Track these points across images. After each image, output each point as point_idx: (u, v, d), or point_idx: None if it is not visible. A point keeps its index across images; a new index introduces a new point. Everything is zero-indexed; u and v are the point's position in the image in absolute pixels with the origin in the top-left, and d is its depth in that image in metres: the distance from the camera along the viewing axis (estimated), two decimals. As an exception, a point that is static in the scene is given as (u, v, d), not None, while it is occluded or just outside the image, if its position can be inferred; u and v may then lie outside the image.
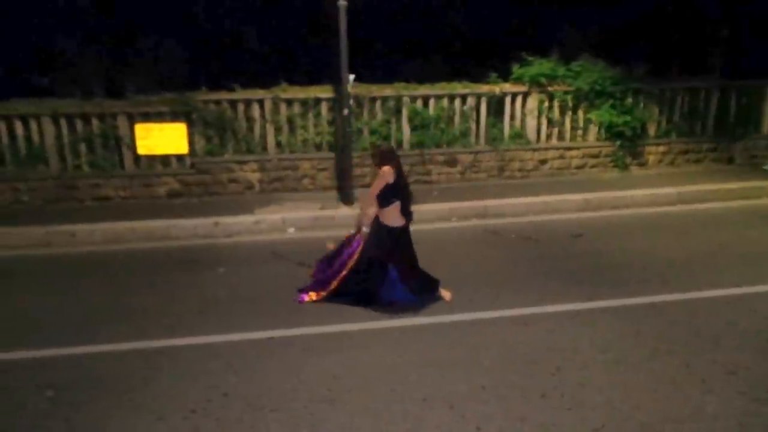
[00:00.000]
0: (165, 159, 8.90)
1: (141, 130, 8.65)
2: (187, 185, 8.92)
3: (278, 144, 9.15)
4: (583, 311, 4.64)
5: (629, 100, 9.94)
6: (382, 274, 4.76)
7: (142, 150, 8.72)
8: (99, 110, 8.66)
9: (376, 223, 4.76)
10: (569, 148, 9.89)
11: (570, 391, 3.49)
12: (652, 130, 10.21)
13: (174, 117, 8.76)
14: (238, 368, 3.88)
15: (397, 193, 4.68)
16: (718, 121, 10.36)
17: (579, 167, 9.95)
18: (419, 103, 9.35)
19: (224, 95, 8.96)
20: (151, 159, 8.86)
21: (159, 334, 4.43)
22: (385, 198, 4.67)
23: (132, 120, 8.68)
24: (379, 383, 3.64)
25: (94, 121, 8.66)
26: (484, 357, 3.93)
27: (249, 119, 9.05)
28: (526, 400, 3.41)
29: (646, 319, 4.45)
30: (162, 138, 8.66)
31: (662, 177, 9.46)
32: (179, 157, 8.91)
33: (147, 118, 8.69)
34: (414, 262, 4.90)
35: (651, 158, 10.20)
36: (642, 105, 10.06)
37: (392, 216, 4.72)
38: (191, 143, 8.84)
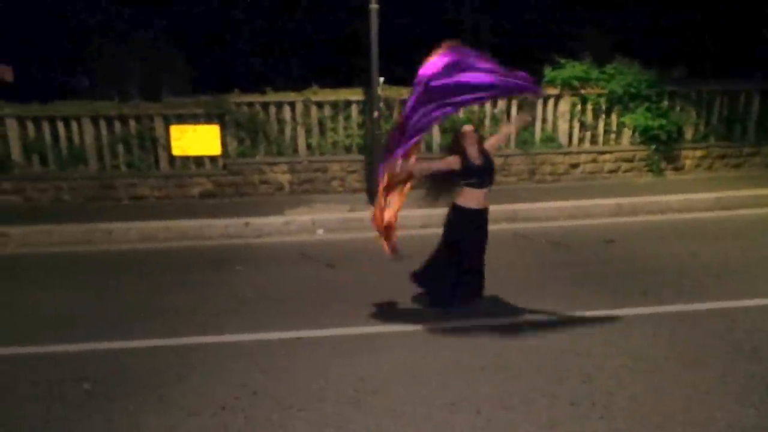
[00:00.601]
0: (198, 160, 9.09)
1: (176, 131, 8.85)
2: (220, 186, 9.09)
3: (308, 146, 9.25)
4: (614, 318, 4.54)
5: (665, 103, 9.71)
6: (460, 271, 4.63)
7: (176, 151, 8.92)
8: (136, 112, 8.90)
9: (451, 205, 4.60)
10: (602, 152, 9.72)
11: (600, 399, 3.42)
12: (689, 134, 9.95)
13: (208, 119, 8.94)
14: (266, 367, 3.92)
15: (470, 174, 4.42)
16: (759, 124, 10.02)
17: (612, 171, 9.76)
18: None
19: (257, 98, 9.10)
20: (185, 160, 9.06)
21: (190, 331, 4.52)
22: (459, 176, 4.47)
23: (167, 121, 8.89)
24: (404, 386, 3.64)
25: (131, 123, 8.91)
26: (512, 362, 3.88)
27: (280, 121, 9.18)
28: (554, 407, 3.35)
29: (680, 327, 4.33)
30: (196, 139, 8.85)
31: (699, 182, 9.20)
32: (212, 158, 9.09)
33: (182, 119, 8.89)
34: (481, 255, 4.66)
35: (688, 163, 9.93)
36: (678, 108, 9.81)
37: (467, 197, 4.50)
38: (224, 145, 9.01)
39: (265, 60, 14.11)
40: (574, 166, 9.68)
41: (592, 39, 12.94)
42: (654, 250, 6.29)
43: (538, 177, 9.61)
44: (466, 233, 4.53)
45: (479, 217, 4.54)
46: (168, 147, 8.93)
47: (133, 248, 7.06)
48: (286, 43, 14.51)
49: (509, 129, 6.13)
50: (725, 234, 6.89)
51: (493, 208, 4.74)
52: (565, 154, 9.62)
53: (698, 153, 9.93)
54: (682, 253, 6.13)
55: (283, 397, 3.54)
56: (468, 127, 4.50)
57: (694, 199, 8.17)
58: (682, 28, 13.65)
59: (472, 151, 4.40)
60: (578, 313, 4.63)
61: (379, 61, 7.74)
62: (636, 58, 9.84)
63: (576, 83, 9.46)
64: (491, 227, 4.71)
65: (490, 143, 4.66)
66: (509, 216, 7.70)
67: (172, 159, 9.04)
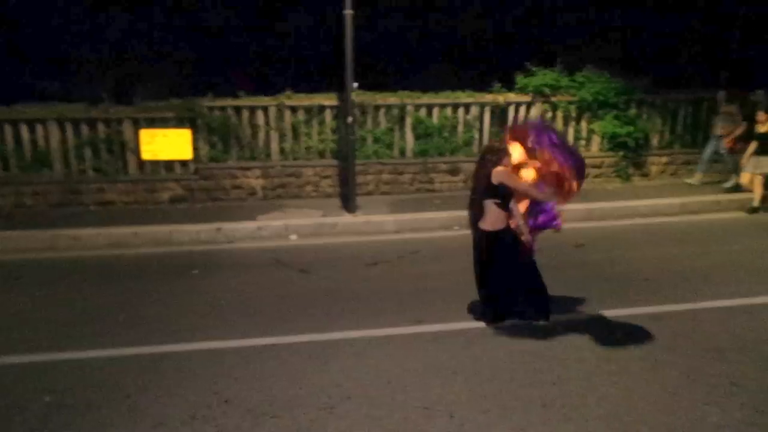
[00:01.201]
0: (169, 164, 8.94)
1: (146, 135, 8.69)
2: (191, 191, 8.96)
3: (282, 151, 9.20)
4: (584, 321, 4.63)
5: (633, 111, 9.96)
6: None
7: (146, 155, 8.76)
8: (104, 115, 8.71)
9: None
10: (572, 158, 9.89)
11: (571, 401, 3.48)
12: (655, 141, 10.22)
13: (179, 123, 8.81)
14: (239, 375, 3.88)
15: (503, 194, 4.36)
16: (721, 132, 10.36)
17: (582, 177, 9.94)
18: (423, 112, 9.39)
19: (229, 102, 9.01)
20: (155, 164, 8.90)
21: (161, 339, 4.43)
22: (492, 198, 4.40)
23: (137, 125, 8.73)
24: (380, 391, 3.64)
25: (100, 126, 8.72)
26: (486, 366, 3.92)
27: (253, 126, 9.10)
28: (527, 411, 3.40)
29: (649, 330, 4.43)
30: (166, 143, 8.70)
31: (665, 188, 9.46)
32: (183, 163, 8.95)
33: (152, 123, 8.74)
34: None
35: (654, 169, 10.20)
36: (645, 116, 10.08)
37: (495, 218, 4.38)
38: (195, 149, 8.89)
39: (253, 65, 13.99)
40: (545, 171, 9.83)
41: (564, 48, 13.22)
42: (622, 254, 6.44)
43: (510, 182, 9.74)
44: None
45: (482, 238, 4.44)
46: (137, 151, 8.76)
47: (101, 254, 6.90)
48: (273, 51, 14.43)
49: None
50: (690, 238, 7.09)
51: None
52: (537, 160, 9.77)
53: (664, 159, 10.21)
54: (649, 257, 6.28)
55: (255, 405, 3.50)
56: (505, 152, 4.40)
57: (660, 204, 8.39)
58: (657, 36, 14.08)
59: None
60: (550, 317, 4.70)
61: (354, 67, 7.74)
62: (612, 67, 10.09)
63: (547, 90, 9.63)
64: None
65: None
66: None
67: (141, 163, 8.87)
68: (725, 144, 9.16)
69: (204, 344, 4.34)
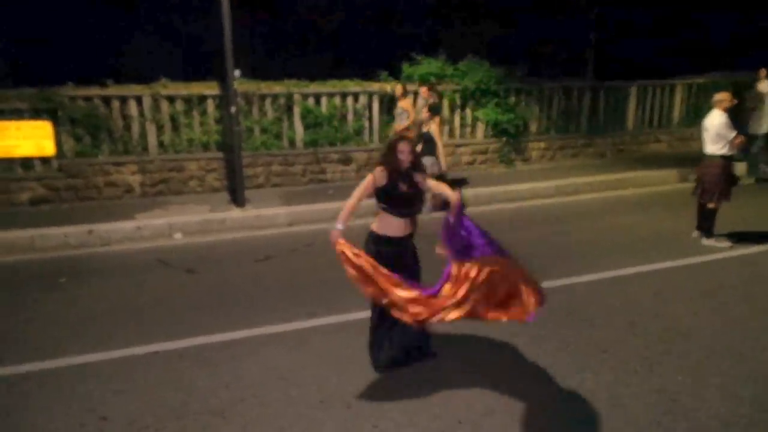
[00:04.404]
0: (26, 162, 8.10)
1: (-4, 129, 7.80)
2: (55, 190, 8.19)
3: (161, 144, 8.68)
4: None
5: (512, 99, 10.59)
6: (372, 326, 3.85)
7: (-3, 152, 7.87)
8: (-58, 107, 7.70)
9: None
10: (459, 145, 10.34)
11: (455, 383, 3.66)
12: (533, 128, 10.96)
13: (35, 114, 8.00)
14: (119, 387, 3.64)
15: (387, 195, 3.68)
16: (590, 118, 11.36)
17: (469, 163, 10.43)
18: (311, 101, 9.31)
19: (96, 91, 8.33)
20: (10, 162, 8.02)
21: (24, 357, 4.03)
22: (378, 200, 3.75)
23: (-17, 118, 7.81)
24: (273, 389, 3.59)
25: (-63, 120, 7.69)
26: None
27: (126, 117, 8.49)
28: (417, 394, 3.53)
29: (530, 306, 4.77)
30: (21, 138, 7.87)
31: (543, 171, 10.19)
32: (44, 160, 8.15)
33: (1, 115, 7.85)
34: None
35: (534, 154, 10.95)
36: (524, 103, 10.76)
37: (385, 223, 3.73)
38: (58, 144, 8.12)
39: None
40: (435, 159, 10.19)
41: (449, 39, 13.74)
42: (505, 236, 6.78)
43: (402, 171, 9.99)
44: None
45: (396, 246, 3.70)
46: (-13, 147, 7.85)
47: (-54, 267, 6.13)
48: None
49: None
50: (565, 218, 7.71)
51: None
52: (426, 147, 10.08)
53: (542, 144, 11.00)
54: (527, 238, 6.74)
55: (138, 418, 3.32)
56: (403, 146, 3.63)
57: (538, 187, 9.04)
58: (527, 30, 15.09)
59: (402, 171, 3.64)
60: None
61: (233, 54, 7.48)
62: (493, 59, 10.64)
63: (433, 79, 9.95)
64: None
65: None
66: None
67: (-8, 161, 7.96)
68: None
69: (77, 358, 4.02)
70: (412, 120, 8.59)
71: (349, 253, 3.51)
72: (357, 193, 3.76)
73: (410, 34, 9.85)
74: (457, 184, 8.52)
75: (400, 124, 8.70)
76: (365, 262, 3.49)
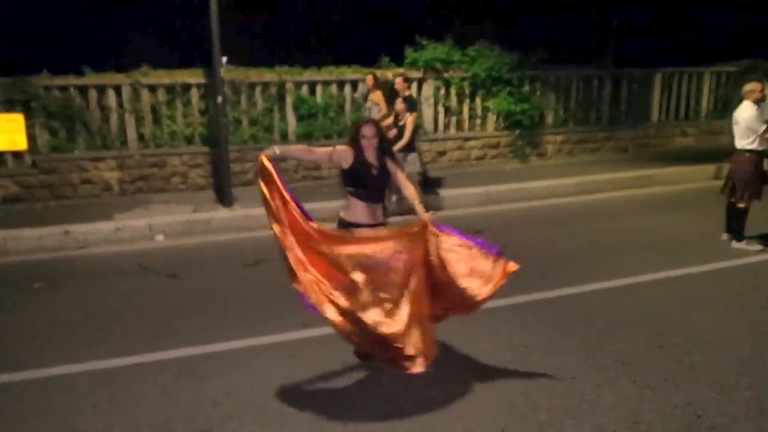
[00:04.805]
0: (-3, 157, 8.17)
1: (-37, 122, 7.87)
2: (28, 188, 8.25)
3: (141, 137, 8.75)
4: (482, 311, 4.91)
5: (526, 88, 10.62)
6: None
7: (-35, 146, 7.94)
8: None
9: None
10: (468, 138, 10.38)
11: (469, 396, 3.70)
12: (549, 119, 10.99)
13: (8, 106, 8.06)
14: (97, 401, 3.69)
15: (352, 177, 3.84)
16: (611, 109, 11.38)
17: (479, 158, 10.48)
18: (305, 90, 9.36)
19: (71, 80, 8.40)
20: (-22, 157, 8.10)
21: (-5, 369, 4.10)
22: (344, 184, 3.91)
23: (-50, 110, 7.88)
24: (266, 405, 3.63)
25: None
26: (380, 368, 4.03)
27: (104, 108, 8.57)
28: (422, 410, 3.56)
29: (545, 315, 4.82)
30: (-9, 131, 7.94)
31: (561, 167, 10.24)
32: (16, 155, 8.21)
33: (-30, 107, 7.93)
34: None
35: (550, 148, 10.98)
36: (539, 93, 10.79)
37: (352, 209, 3.90)
38: (32, 138, 8.18)
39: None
40: (441, 153, 10.23)
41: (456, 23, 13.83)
42: (520, 238, 6.90)
43: (405, 166, 10.03)
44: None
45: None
46: (-47, 142, 7.92)
47: None
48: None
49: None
50: (585, 218, 7.76)
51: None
52: (432, 141, 10.13)
53: (559, 138, 11.03)
54: (546, 241, 6.79)
55: (119, 435, 3.36)
56: (368, 129, 3.82)
57: (556, 185, 9.08)
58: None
59: (371, 158, 3.84)
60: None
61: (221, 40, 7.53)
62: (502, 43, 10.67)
63: (439, 66, 9.99)
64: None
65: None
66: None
67: (-41, 157, 8.03)
68: None
69: (53, 370, 4.07)
70: (384, 114, 8.48)
71: (269, 166, 3.70)
72: (316, 149, 4.00)
73: (410, 32, 9.97)
74: (433, 185, 8.58)
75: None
76: (277, 193, 3.70)
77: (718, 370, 3.97)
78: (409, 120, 7.65)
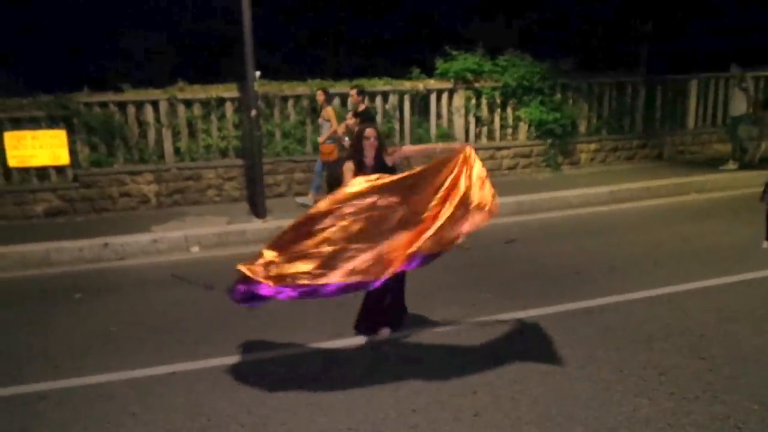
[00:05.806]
0: (42, 172, 8.47)
1: (11, 138, 8.19)
2: (70, 201, 8.53)
3: (177, 151, 8.96)
4: (516, 321, 4.88)
5: (558, 96, 10.54)
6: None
7: (13, 162, 8.26)
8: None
9: None
10: (499, 148, 10.34)
11: (504, 406, 3.67)
12: (582, 128, 10.86)
13: (51, 123, 8.37)
14: (136, 410, 3.77)
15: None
16: (645, 117, 11.20)
17: (510, 168, 10.41)
18: (337, 102, 9.46)
19: (111, 96, 8.67)
20: (25, 172, 8.40)
21: (39, 376, 4.22)
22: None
23: (1, 127, 8.20)
24: (298, 415, 3.66)
25: (-50, 130, 8.12)
26: (413, 377, 4.03)
27: (141, 124, 8.81)
28: (457, 421, 3.55)
29: (580, 325, 4.75)
30: (37, 147, 8.24)
31: (594, 176, 10.10)
32: (59, 169, 8.51)
33: (18, 124, 8.24)
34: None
35: (583, 156, 10.85)
36: (571, 101, 10.69)
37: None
38: (73, 153, 8.47)
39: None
40: (472, 163, 10.19)
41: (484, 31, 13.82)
42: (553, 248, 6.83)
43: (436, 177, 10.03)
44: None
45: None
46: (2, 158, 8.24)
47: (-41, 283, 6.44)
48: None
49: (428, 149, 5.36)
50: (619, 228, 7.63)
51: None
52: (462, 151, 10.10)
53: (592, 146, 10.89)
54: (580, 250, 6.70)
55: (157, 443, 3.43)
56: (370, 131, 4.43)
57: (590, 193, 8.96)
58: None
59: (368, 159, 4.41)
60: (480, 318, 4.92)
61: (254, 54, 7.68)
62: (533, 52, 10.62)
63: (469, 76, 9.99)
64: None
65: (402, 153, 4.72)
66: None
67: (7, 172, 8.34)
68: None
69: (92, 378, 4.18)
70: (334, 130, 8.15)
71: None
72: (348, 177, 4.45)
73: (447, 31, 10.03)
74: None
75: (321, 136, 8.29)
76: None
77: (759, 381, 3.85)
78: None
